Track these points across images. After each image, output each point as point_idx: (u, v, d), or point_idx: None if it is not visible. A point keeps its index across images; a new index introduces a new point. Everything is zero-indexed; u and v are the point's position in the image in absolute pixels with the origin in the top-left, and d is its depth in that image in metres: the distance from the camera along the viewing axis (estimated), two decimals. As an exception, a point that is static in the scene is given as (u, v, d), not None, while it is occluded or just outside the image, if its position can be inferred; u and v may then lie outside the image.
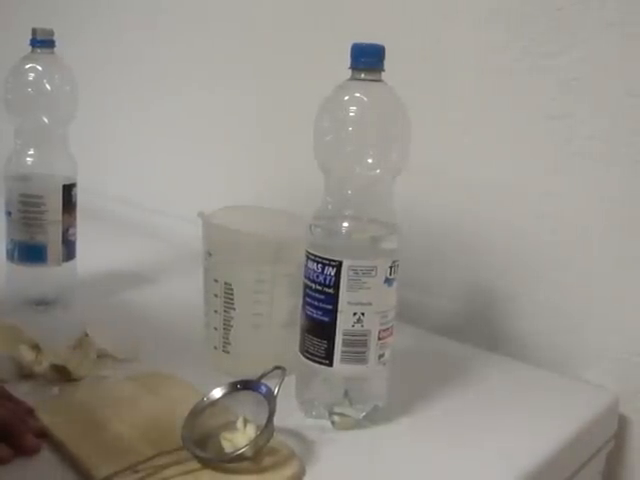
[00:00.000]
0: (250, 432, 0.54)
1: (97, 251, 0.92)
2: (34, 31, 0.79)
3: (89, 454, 0.53)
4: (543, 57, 0.75)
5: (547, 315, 0.78)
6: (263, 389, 0.57)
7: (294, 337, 0.63)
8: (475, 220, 0.82)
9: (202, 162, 1.12)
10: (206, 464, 0.53)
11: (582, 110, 0.73)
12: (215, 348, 0.69)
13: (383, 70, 0.59)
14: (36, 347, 0.66)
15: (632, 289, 0.73)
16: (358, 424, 0.61)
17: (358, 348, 0.59)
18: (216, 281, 0.67)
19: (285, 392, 0.58)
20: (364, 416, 0.62)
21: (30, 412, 0.58)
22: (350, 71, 0.59)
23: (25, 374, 0.65)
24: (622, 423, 0.73)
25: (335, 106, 0.60)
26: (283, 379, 0.58)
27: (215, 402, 0.58)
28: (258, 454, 0.53)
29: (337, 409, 0.61)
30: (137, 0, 1.19)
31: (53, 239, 0.80)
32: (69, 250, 0.82)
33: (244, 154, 1.05)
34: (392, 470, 0.57)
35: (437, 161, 0.83)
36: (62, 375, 0.64)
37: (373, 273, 0.59)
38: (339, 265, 0.58)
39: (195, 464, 0.53)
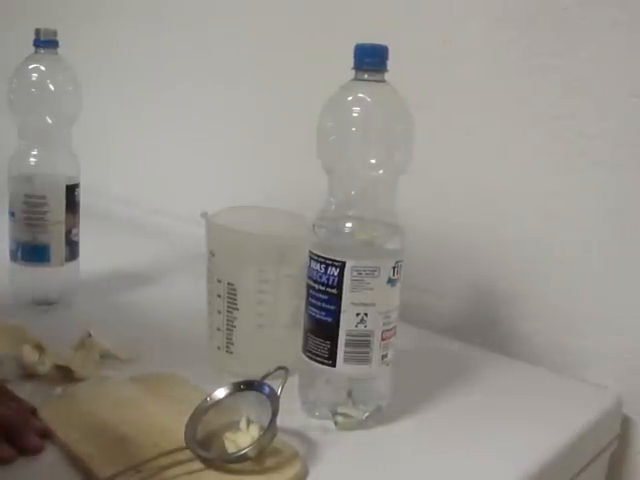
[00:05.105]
0: (253, 432, 0.54)
1: (100, 251, 0.92)
2: (37, 31, 0.79)
3: (92, 454, 0.53)
4: (548, 57, 0.75)
5: (549, 315, 0.78)
6: (266, 389, 0.57)
7: (297, 337, 0.63)
8: (477, 220, 0.82)
9: (205, 162, 1.12)
10: (209, 464, 0.53)
11: (586, 110, 0.73)
12: (218, 348, 0.69)
13: (386, 71, 0.59)
14: (39, 347, 0.66)
15: (633, 289, 0.73)
16: (361, 424, 0.61)
17: (361, 348, 0.59)
18: (219, 281, 0.67)
19: (288, 392, 0.57)
20: (367, 416, 0.62)
21: (33, 412, 0.58)
22: (353, 71, 0.59)
23: (28, 374, 0.65)
24: (625, 424, 0.73)
25: (338, 106, 0.60)
26: (286, 379, 0.58)
27: (218, 402, 0.58)
28: (261, 454, 0.53)
29: (340, 409, 0.61)
30: (139, 0, 1.19)
31: (56, 239, 0.80)
32: (72, 250, 0.82)
33: (247, 155, 1.05)
34: (395, 470, 0.57)
35: (439, 161, 0.83)
36: (65, 375, 0.64)
37: (376, 274, 0.58)
38: (342, 265, 0.58)
39: (198, 464, 0.53)
